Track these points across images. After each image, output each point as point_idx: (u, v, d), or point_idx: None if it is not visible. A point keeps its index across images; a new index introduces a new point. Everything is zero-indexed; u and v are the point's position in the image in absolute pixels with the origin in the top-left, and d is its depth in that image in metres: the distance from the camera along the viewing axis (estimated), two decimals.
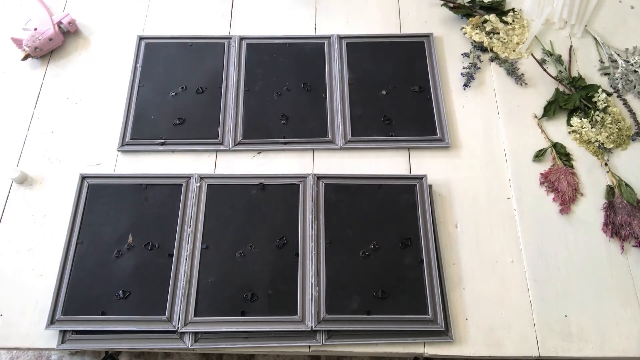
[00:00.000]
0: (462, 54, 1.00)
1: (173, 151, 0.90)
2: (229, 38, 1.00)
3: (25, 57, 0.97)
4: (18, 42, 0.97)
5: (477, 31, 1.00)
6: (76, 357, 1.06)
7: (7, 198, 0.86)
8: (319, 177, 0.85)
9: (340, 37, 1.00)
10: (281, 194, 0.84)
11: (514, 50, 1.01)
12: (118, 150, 0.90)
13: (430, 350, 0.75)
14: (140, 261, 0.78)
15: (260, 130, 0.91)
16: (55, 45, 0.99)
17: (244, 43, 1.00)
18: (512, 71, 0.97)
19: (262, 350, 0.77)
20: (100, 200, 0.83)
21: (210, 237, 0.80)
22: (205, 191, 0.84)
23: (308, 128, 0.91)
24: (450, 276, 0.79)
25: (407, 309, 0.75)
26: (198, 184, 0.84)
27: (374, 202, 0.83)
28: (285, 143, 0.90)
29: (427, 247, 0.79)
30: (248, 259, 0.79)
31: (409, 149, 0.90)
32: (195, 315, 0.74)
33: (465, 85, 0.96)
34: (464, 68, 0.98)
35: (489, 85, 0.97)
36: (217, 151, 0.90)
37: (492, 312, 0.77)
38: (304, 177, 0.85)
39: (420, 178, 0.85)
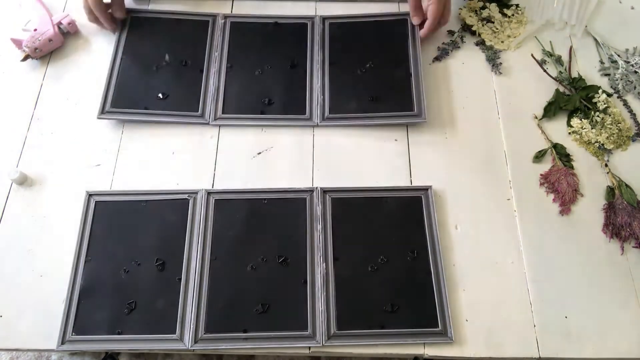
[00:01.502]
0: (447, 31, 1.01)
1: (173, 152, 0.90)
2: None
3: (25, 58, 0.97)
4: (18, 43, 0.97)
5: (472, 14, 1.00)
6: (76, 357, 1.07)
7: (7, 199, 0.86)
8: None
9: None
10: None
11: (502, 42, 1.00)
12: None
13: (430, 351, 0.75)
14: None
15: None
16: (55, 46, 0.99)
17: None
18: (492, 58, 0.97)
19: (262, 351, 0.77)
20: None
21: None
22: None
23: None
24: (450, 277, 0.79)
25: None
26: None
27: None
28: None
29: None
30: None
31: (408, 151, 0.90)
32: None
33: (436, 59, 0.97)
34: (443, 43, 0.98)
35: (488, 86, 0.97)
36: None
37: (492, 313, 0.77)
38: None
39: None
